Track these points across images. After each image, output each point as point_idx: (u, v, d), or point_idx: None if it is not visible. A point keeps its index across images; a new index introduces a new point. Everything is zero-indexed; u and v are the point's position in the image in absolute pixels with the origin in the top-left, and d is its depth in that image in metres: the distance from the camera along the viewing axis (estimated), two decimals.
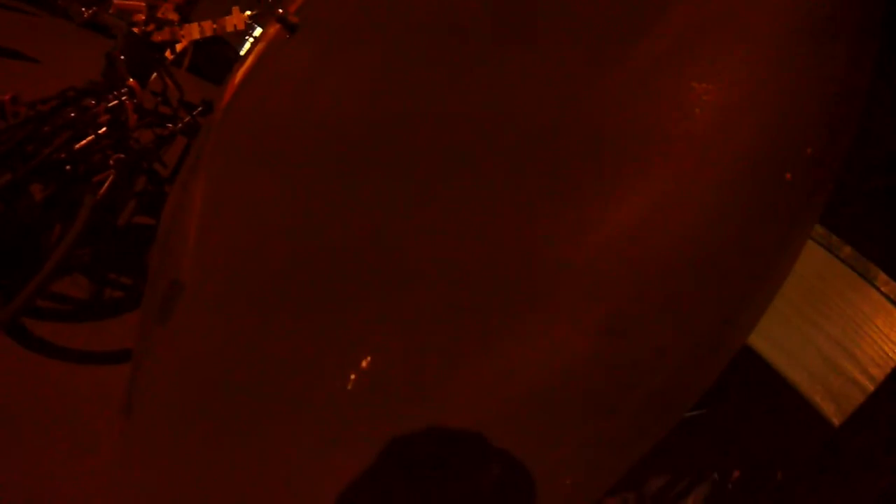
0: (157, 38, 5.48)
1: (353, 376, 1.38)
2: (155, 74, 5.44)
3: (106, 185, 3.83)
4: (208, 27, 5.62)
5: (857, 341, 2.33)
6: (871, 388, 2.29)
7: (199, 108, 5.05)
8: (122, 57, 5.10)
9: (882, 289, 2.32)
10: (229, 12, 5.71)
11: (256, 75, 2.06)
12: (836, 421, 2.33)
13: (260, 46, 2.28)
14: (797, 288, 2.38)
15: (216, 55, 16.95)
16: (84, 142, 3.88)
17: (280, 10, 1.89)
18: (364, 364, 1.38)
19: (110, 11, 6.24)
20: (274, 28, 2.07)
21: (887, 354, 2.28)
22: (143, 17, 5.70)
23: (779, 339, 2.40)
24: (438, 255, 1.39)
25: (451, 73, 1.52)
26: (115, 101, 4.28)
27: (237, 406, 1.46)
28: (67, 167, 3.70)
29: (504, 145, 1.41)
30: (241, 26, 5.64)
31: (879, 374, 2.28)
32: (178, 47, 5.86)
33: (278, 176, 1.64)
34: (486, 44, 1.52)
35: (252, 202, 1.66)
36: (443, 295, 1.38)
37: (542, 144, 1.39)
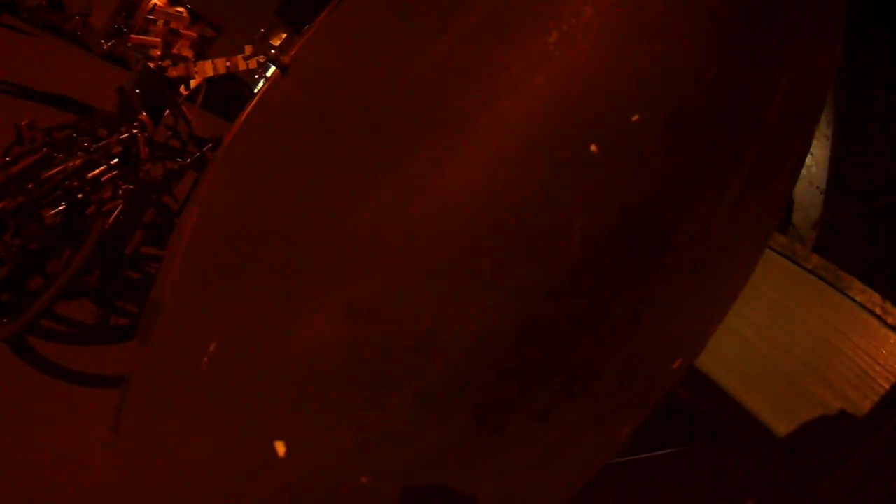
0: (172, 73, 5.62)
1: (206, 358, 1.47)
2: (168, 110, 5.59)
3: (115, 213, 3.94)
4: (221, 65, 5.76)
5: (831, 361, 2.00)
6: (849, 415, 1.96)
7: (210, 144, 5.17)
8: (137, 91, 5.26)
9: (858, 299, 2.01)
10: (243, 51, 5.85)
11: (253, 113, 2.18)
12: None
13: (264, 85, 2.43)
14: (757, 304, 2.05)
15: (231, 92, 17.26)
16: (96, 171, 3.98)
17: (273, 52, 2.02)
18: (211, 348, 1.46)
19: (128, 45, 6.41)
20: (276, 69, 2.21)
21: (866, 373, 1.96)
22: (159, 53, 5.88)
23: (737, 363, 2.08)
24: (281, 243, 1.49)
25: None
26: (127, 134, 4.41)
27: (207, 419, 1.48)
28: (79, 194, 3.79)
29: (347, 141, 1.49)
30: (252, 65, 5.78)
31: (858, 397, 1.96)
32: (193, 83, 6.00)
33: (249, 206, 1.73)
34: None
35: (227, 227, 1.75)
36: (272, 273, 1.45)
37: (353, 137, 1.47)
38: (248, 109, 2.34)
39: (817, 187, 3.24)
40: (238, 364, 1.39)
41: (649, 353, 1.26)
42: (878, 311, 1.98)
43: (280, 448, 1.24)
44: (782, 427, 2.06)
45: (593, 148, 1.13)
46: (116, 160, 4.18)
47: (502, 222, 1.16)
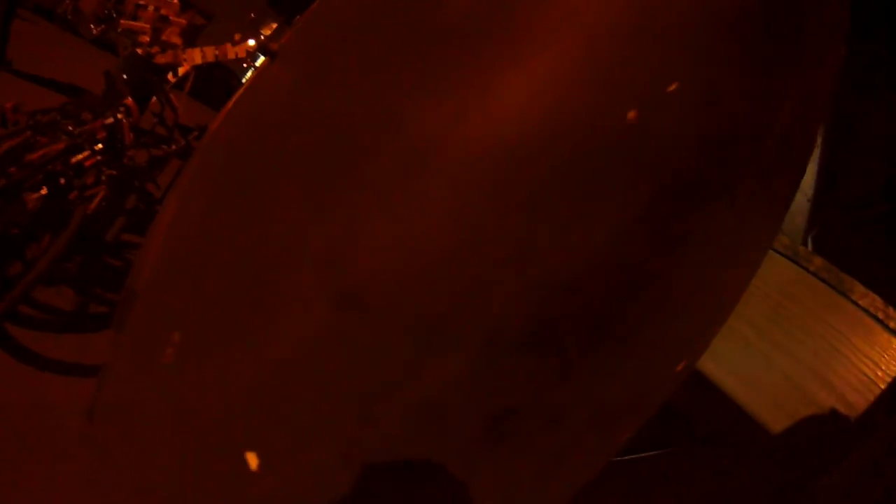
0: (160, 60, 5.58)
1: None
2: (155, 96, 5.54)
3: (97, 199, 3.89)
4: (210, 53, 5.72)
5: (832, 364, 1.95)
6: (850, 418, 1.94)
7: (196, 132, 5.12)
8: (124, 76, 5.20)
9: (860, 302, 1.96)
10: (232, 39, 5.83)
11: (240, 101, 2.13)
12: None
13: (252, 74, 2.37)
14: (759, 306, 2.02)
15: (219, 81, 17.15)
16: (80, 156, 3.93)
17: (262, 38, 1.96)
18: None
19: (118, 30, 6.33)
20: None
21: (868, 377, 1.90)
22: (148, 39, 5.82)
23: (738, 365, 2.02)
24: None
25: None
26: (113, 119, 4.34)
27: (172, 421, 1.38)
28: (61, 179, 3.74)
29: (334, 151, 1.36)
30: (241, 54, 5.74)
31: (860, 401, 1.92)
32: (181, 71, 5.96)
33: (231, 197, 1.63)
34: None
35: (206, 218, 1.69)
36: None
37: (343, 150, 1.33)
38: (235, 99, 2.28)
39: (804, 194, 3.23)
40: (203, 360, 1.31)
41: (655, 355, 1.20)
42: (880, 315, 1.93)
43: (252, 460, 1.15)
44: (781, 428, 2.02)
45: (631, 115, 1.04)
46: (100, 145, 4.15)
47: (525, 205, 1.06)
